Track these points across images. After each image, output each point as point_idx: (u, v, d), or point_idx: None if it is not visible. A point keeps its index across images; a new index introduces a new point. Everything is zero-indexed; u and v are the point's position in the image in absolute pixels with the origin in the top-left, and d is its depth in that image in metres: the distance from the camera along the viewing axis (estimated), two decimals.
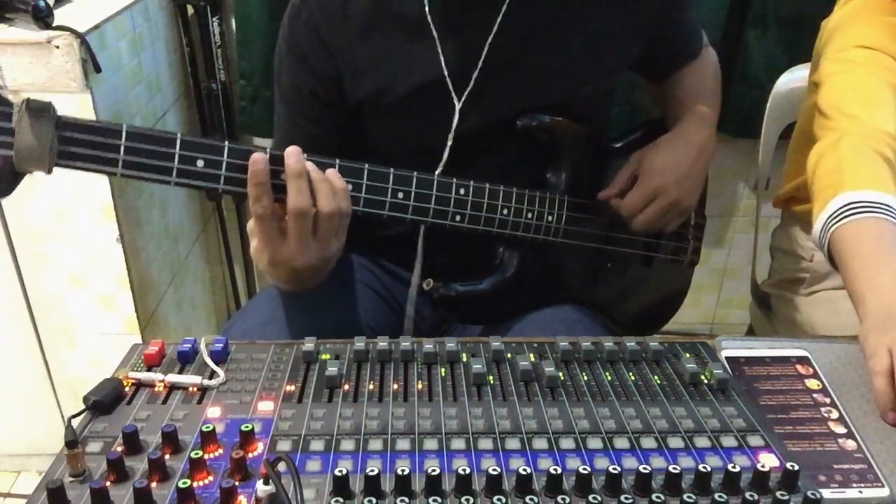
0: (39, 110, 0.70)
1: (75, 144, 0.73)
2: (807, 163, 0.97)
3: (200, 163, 0.76)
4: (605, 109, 1.14)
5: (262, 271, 0.87)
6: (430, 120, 0.97)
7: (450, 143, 0.95)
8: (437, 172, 0.93)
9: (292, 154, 0.78)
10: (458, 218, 0.90)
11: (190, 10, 1.66)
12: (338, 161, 0.81)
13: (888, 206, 0.84)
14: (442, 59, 0.93)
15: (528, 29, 0.94)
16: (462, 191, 0.89)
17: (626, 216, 1.02)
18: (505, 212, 0.93)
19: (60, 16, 1.24)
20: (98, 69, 1.22)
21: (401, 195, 0.85)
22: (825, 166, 0.93)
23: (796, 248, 1.21)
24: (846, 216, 0.85)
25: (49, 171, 0.72)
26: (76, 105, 1.22)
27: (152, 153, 0.75)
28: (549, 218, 0.98)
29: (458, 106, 0.94)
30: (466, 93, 0.94)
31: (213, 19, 1.66)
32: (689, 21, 1.13)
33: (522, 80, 0.97)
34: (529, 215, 0.96)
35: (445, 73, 0.93)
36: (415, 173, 0.86)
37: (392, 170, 0.85)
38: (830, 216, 0.87)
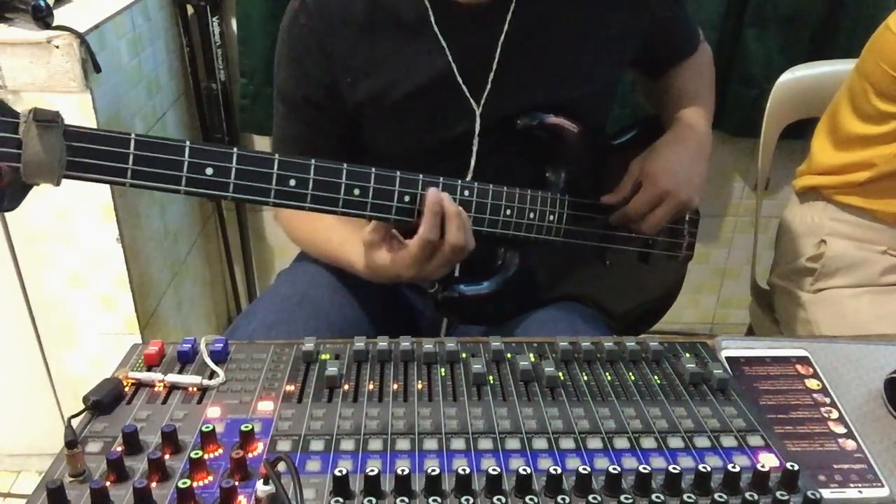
0: (47, 120, 0.67)
1: (84, 155, 0.70)
2: None
3: (209, 171, 0.75)
4: (607, 108, 1.14)
5: (370, 278, 0.92)
6: (441, 120, 0.97)
7: (476, 141, 0.97)
8: (469, 175, 0.97)
9: (434, 195, 0.84)
10: None
11: (190, 10, 1.67)
12: (345, 165, 0.81)
13: None
14: (451, 60, 0.93)
15: (538, 24, 0.95)
16: (466, 192, 0.89)
17: (634, 219, 1.03)
18: (508, 212, 0.94)
19: (60, 16, 1.24)
20: (98, 69, 1.22)
21: (407, 198, 0.85)
22: None
23: (815, 227, 1.20)
24: None
25: (57, 184, 0.69)
26: (76, 105, 1.22)
27: (161, 161, 0.73)
28: (551, 218, 0.98)
29: (478, 110, 0.96)
30: (486, 93, 0.95)
31: (213, 19, 1.66)
32: (685, 17, 1.14)
33: (537, 76, 0.97)
34: (531, 215, 0.96)
35: (458, 75, 0.94)
36: (420, 176, 0.86)
37: (398, 172, 0.84)
38: None
